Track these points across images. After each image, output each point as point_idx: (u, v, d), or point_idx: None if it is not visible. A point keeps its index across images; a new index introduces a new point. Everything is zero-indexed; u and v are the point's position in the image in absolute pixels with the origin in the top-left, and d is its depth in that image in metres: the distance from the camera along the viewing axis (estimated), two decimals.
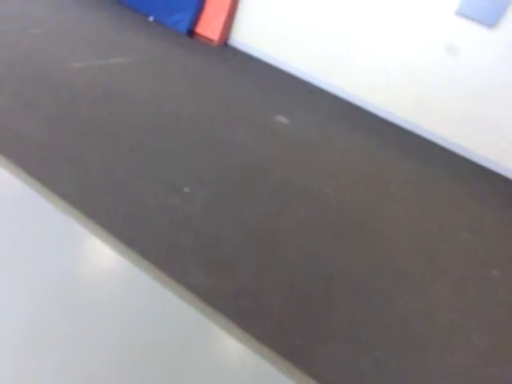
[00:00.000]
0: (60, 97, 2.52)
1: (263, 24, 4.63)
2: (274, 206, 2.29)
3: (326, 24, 4.36)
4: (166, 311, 0.48)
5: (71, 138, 2.19)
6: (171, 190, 2.09)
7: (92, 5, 4.34)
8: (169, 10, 4.57)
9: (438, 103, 4.18)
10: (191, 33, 4.64)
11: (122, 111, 2.63)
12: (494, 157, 4.11)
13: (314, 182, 2.68)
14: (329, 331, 1.64)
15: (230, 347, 0.48)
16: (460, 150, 4.22)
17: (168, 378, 0.42)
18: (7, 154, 1.85)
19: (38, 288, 0.45)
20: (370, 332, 1.71)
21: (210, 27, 4.62)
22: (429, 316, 1.93)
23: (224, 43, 4.83)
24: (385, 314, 1.84)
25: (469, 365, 1.74)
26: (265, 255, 1.90)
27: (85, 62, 3.04)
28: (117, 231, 1.68)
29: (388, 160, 3.46)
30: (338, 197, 2.61)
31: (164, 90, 3.12)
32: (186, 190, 2.14)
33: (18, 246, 0.49)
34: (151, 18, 4.61)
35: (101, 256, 0.53)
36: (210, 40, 4.66)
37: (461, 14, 3.80)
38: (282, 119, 3.39)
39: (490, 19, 3.72)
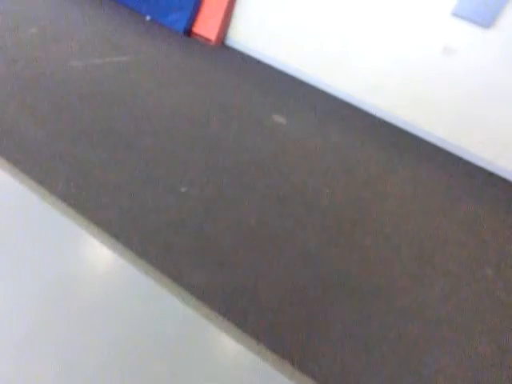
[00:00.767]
0: (57, 96, 2.51)
1: (260, 24, 4.63)
2: (271, 205, 2.29)
3: (323, 24, 4.37)
4: (163, 310, 0.48)
5: (68, 138, 2.19)
6: (168, 190, 2.09)
7: (90, 4, 4.32)
8: (166, 9, 4.56)
9: (434, 103, 4.20)
10: (188, 32, 4.64)
11: (118, 110, 2.62)
12: (490, 157, 4.13)
13: (312, 181, 2.68)
14: (326, 331, 1.65)
15: (227, 346, 0.48)
16: (456, 150, 4.25)
17: (165, 376, 0.42)
18: (4, 154, 1.84)
19: (36, 288, 0.45)
20: (367, 331, 1.72)
21: (207, 27, 4.62)
22: (426, 315, 1.94)
23: (221, 43, 4.83)
24: (382, 313, 1.85)
25: (467, 364, 1.75)
26: (262, 255, 1.91)
27: (82, 62, 3.04)
28: (114, 231, 1.68)
29: (385, 160, 3.48)
30: (335, 196, 2.62)
31: (161, 90, 3.12)
32: (183, 189, 2.13)
33: (17, 247, 0.49)
34: (148, 18, 4.60)
35: (98, 256, 0.53)
36: (208, 40, 4.65)
37: (457, 14, 3.82)
38: (279, 119, 3.39)
39: (485, 20, 3.74)
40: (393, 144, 3.89)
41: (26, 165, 1.86)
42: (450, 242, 2.65)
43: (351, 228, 2.38)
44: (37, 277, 0.46)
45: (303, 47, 4.52)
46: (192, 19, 4.58)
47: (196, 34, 4.67)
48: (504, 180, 4.08)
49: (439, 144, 4.29)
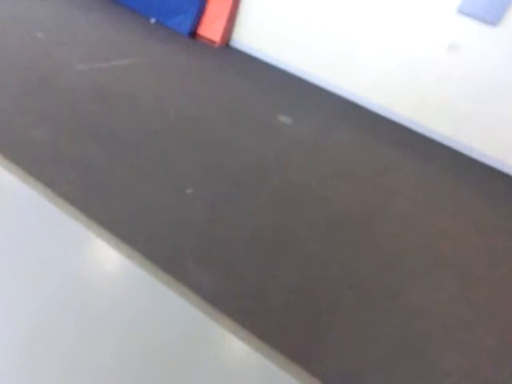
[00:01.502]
0: (63, 99, 2.53)
1: (264, 25, 4.63)
2: (278, 205, 2.29)
3: (327, 24, 4.35)
4: (169, 312, 0.48)
5: (74, 140, 2.20)
6: (174, 191, 2.10)
7: (95, 8, 4.36)
8: (170, 11, 4.58)
9: (441, 102, 4.17)
10: (193, 34, 4.66)
11: (125, 113, 2.64)
12: (499, 155, 4.09)
13: (318, 181, 2.68)
14: (333, 331, 1.64)
15: (234, 347, 0.48)
16: (464, 149, 4.21)
17: (172, 378, 0.42)
18: (11, 156, 1.86)
19: (42, 290, 0.45)
20: (374, 331, 1.71)
21: (211, 29, 4.63)
22: (435, 315, 1.92)
23: (226, 44, 4.84)
24: (390, 312, 1.83)
25: (477, 363, 1.73)
26: (268, 255, 1.90)
27: (88, 65, 3.06)
28: (120, 232, 1.68)
29: (391, 159, 3.45)
30: (341, 196, 2.61)
31: (166, 92, 3.13)
32: (189, 191, 2.14)
33: (22, 248, 0.49)
34: (153, 20, 4.63)
35: (104, 257, 0.53)
36: (212, 41, 4.66)
37: (462, 12, 3.79)
38: (284, 119, 3.39)
39: (492, 17, 3.70)
40: (399, 143, 3.87)
41: (32, 167, 1.88)
42: (458, 241, 2.62)
43: (358, 228, 2.36)
44: (42, 278, 0.46)
45: (308, 47, 4.52)
46: (196, 21, 4.60)
47: (200, 36, 4.69)
48: None
49: (446, 142, 4.25)
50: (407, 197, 2.95)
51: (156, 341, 0.44)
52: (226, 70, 4.11)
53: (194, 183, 2.21)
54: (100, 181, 1.99)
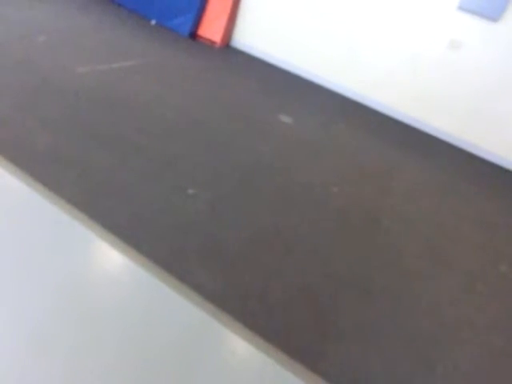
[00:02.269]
0: (65, 102, 2.54)
1: (265, 25, 4.63)
2: (280, 205, 2.28)
3: (328, 22, 4.35)
4: (172, 313, 0.48)
5: (76, 142, 2.21)
6: (176, 192, 2.10)
7: (95, 10, 4.37)
8: (171, 13, 4.59)
9: (443, 99, 4.15)
10: (193, 35, 4.66)
11: (126, 114, 2.64)
12: (502, 152, 4.06)
13: (319, 180, 2.67)
14: (337, 330, 1.64)
15: (238, 347, 0.48)
16: (467, 146, 4.19)
17: (176, 379, 0.42)
18: (13, 159, 1.87)
19: (45, 291, 0.45)
20: (378, 330, 1.70)
21: (212, 29, 4.63)
22: (438, 313, 1.91)
23: (226, 45, 4.84)
24: (394, 311, 1.83)
25: (481, 363, 1.73)
26: (271, 255, 1.90)
27: (89, 67, 3.07)
28: (122, 233, 1.68)
29: (394, 157, 3.44)
30: (344, 195, 2.60)
31: (167, 93, 3.14)
32: (191, 191, 2.14)
33: (26, 250, 0.49)
34: (153, 22, 4.64)
35: (107, 258, 0.53)
36: (213, 42, 4.67)
37: (463, 8, 3.77)
38: (285, 119, 3.39)
39: (493, 12, 3.68)
40: (401, 141, 3.86)
41: (34, 169, 1.89)
42: (462, 240, 2.61)
43: (361, 227, 2.36)
44: (46, 280, 0.46)
45: (309, 46, 4.51)
46: (197, 22, 4.60)
47: (201, 37, 4.69)
48: None
49: (449, 140, 4.24)
50: (411, 195, 2.94)
51: (159, 341, 0.44)
52: (226, 70, 4.11)
53: (195, 184, 2.21)
54: (102, 182, 1.99)
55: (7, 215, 0.52)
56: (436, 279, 2.15)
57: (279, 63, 4.69)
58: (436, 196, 3.05)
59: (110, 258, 0.53)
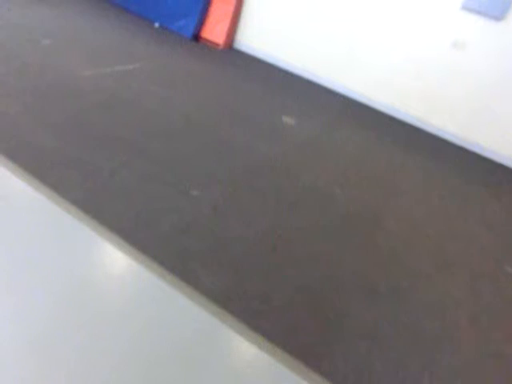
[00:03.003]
0: (69, 105, 2.56)
1: (268, 26, 4.64)
2: (283, 206, 2.28)
3: (330, 23, 4.35)
4: (177, 314, 0.48)
5: (81, 145, 2.22)
6: (180, 194, 2.10)
7: (99, 14, 4.40)
8: (174, 15, 4.61)
9: (446, 99, 4.13)
10: (197, 37, 4.68)
11: (130, 117, 2.66)
12: (507, 151, 4.04)
13: (323, 181, 2.67)
14: (341, 331, 1.63)
15: (242, 348, 0.48)
16: (471, 146, 4.17)
17: (179, 379, 0.42)
18: (18, 161, 1.88)
19: (50, 293, 0.46)
20: (382, 331, 1.70)
21: (215, 31, 4.65)
22: (442, 314, 1.90)
23: (229, 47, 4.85)
24: (397, 312, 1.82)
25: (486, 362, 1.71)
26: (275, 256, 1.90)
27: (93, 71, 3.09)
28: (127, 235, 1.69)
29: (397, 158, 3.43)
30: (347, 196, 2.60)
31: (171, 95, 3.15)
32: (195, 193, 2.15)
33: (31, 252, 0.50)
34: (157, 25, 4.66)
35: (112, 260, 0.53)
36: (216, 44, 4.68)
37: (466, 8, 3.76)
38: (288, 120, 3.39)
39: (496, 12, 3.67)
40: (405, 141, 3.85)
41: (39, 171, 1.90)
42: (467, 240, 2.59)
43: (365, 228, 2.35)
44: (52, 282, 0.47)
45: (311, 47, 4.51)
46: (200, 24, 4.62)
47: (204, 39, 4.71)
48: None
49: (453, 140, 4.22)
50: (415, 196, 2.93)
51: (164, 342, 0.44)
52: (229, 71, 4.12)
53: (199, 185, 2.22)
54: (106, 184, 2.00)
55: (12, 217, 0.53)
56: (440, 280, 2.14)
57: (282, 64, 4.69)
58: (440, 196, 3.04)
59: (114, 260, 0.53)
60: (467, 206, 3.03)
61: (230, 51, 4.74)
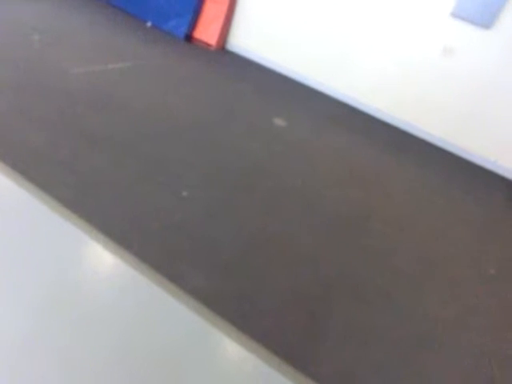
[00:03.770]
0: (59, 103, 2.53)
1: (261, 28, 4.65)
2: (273, 208, 2.29)
3: (323, 27, 4.38)
4: (164, 314, 0.48)
5: (70, 143, 2.20)
6: (170, 194, 2.09)
7: (91, 11, 4.36)
8: (166, 15, 4.59)
9: (435, 104, 4.20)
10: (189, 38, 4.66)
11: (121, 116, 2.64)
12: (492, 157, 4.12)
13: (312, 183, 2.68)
14: (327, 332, 1.64)
15: (229, 349, 0.48)
16: (458, 151, 4.23)
17: (167, 379, 0.42)
18: (5, 159, 1.85)
19: (36, 291, 0.45)
20: (370, 333, 1.71)
21: (207, 32, 4.64)
22: (427, 315, 1.93)
23: (222, 48, 4.85)
24: (383, 313, 1.84)
25: (475, 364, 1.74)
26: (263, 257, 1.90)
27: (84, 68, 3.06)
28: (115, 235, 1.68)
29: (386, 161, 3.47)
30: (336, 198, 2.62)
31: (162, 95, 3.14)
32: (185, 193, 2.14)
33: (18, 251, 0.49)
34: (149, 24, 4.63)
35: (99, 259, 0.53)
36: (208, 45, 4.67)
37: (456, 15, 3.83)
38: (280, 122, 3.40)
39: (485, 20, 3.74)
40: (394, 145, 3.89)
41: (28, 171, 1.88)
42: (452, 243, 2.63)
43: (353, 230, 2.37)
44: (37, 280, 0.46)
45: (304, 50, 4.54)
46: (192, 24, 4.61)
47: (197, 40, 4.69)
48: (507, 180, 4.06)
49: (441, 145, 4.28)
50: (402, 199, 2.96)
51: (151, 342, 0.44)
52: (221, 72, 4.12)
53: (189, 186, 2.21)
54: (96, 184, 1.98)
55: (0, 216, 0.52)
56: (426, 281, 2.16)
57: (274, 66, 4.71)
58: (427, 199, 3.08)
59: (102, 259, 0.53)
60: (453, 209, 3.08)
61: (222, 52, 4.74)
